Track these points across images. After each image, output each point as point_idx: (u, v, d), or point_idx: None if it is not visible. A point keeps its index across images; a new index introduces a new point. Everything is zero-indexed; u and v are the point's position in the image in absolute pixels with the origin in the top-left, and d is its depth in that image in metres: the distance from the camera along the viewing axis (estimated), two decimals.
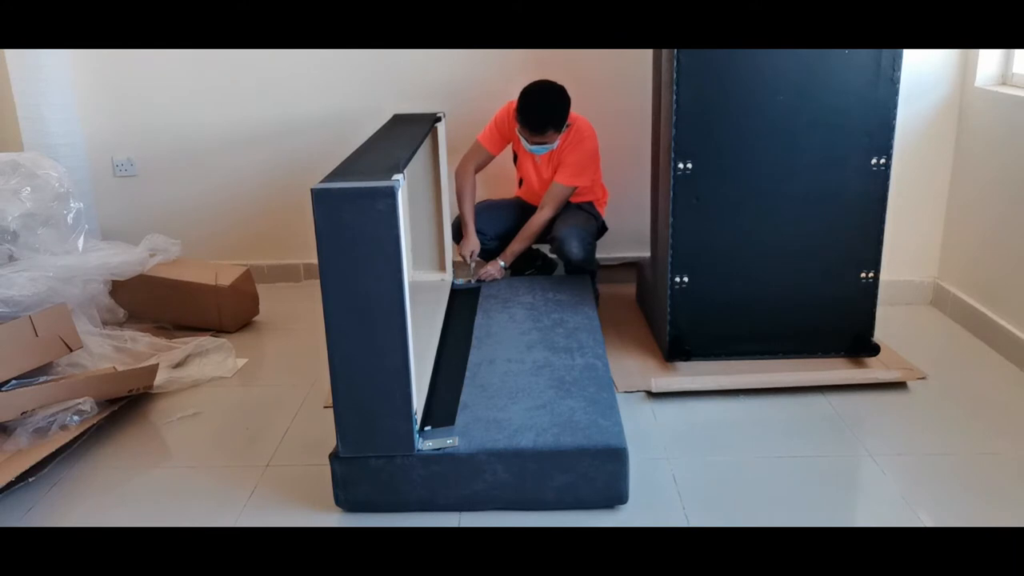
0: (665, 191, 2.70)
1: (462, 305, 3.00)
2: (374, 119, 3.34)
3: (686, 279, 2.73)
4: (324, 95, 3.58)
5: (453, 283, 3.21)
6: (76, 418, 2.40)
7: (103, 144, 3.68)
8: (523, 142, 3.09)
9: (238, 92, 3.59)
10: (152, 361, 2.85)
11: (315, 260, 1.91)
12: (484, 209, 3.36)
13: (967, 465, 2.24)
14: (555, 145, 3.09)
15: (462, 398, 2.29)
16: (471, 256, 3.24)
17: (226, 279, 3.23)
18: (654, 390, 2.65)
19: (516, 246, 3.23)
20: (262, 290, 3.46)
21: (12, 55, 3.35)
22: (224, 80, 3.57)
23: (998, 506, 2.07)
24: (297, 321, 3.39)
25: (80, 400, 2.42)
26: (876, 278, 2.73)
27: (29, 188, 2.97)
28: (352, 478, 2.06)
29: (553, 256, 3.37)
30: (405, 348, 1.95)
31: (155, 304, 3.26)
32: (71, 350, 2.66)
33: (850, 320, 2.77)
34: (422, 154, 3.09)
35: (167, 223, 3.72)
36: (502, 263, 3.23)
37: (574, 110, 3.06)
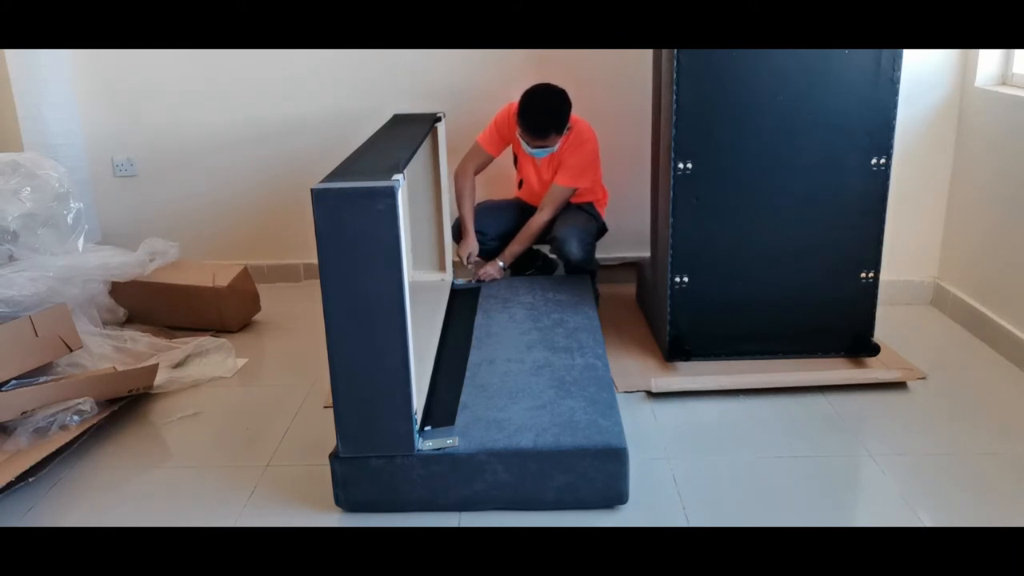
0: (665, 191, 2.70)
1: (462, 305, 3.00)
2: (374, 119, 3.34)
3: (686, 279, 2.73)
4: (324, 95, 3.58)
5: (453, 283, 3.21)
6: (76, 418, 2.40)
7: (103, 144, 3.68)
8: (524, 145, 3.09)
9: (238, 92, 3.59)
10: (152, 361, 2.85)
11: (315, 260, 1.91)
12: (484, 210, 3.36)
13: (967, 465, 2.24)
14: (556, 148, 3.09)
15: (462, 398, 2.29)
16: (469, 258, 3.24)
17: (224, 279, 3.23)
18: (654, 390, 2.65)
19: (515, 247, 3.23)
20: (262, 290, 3.46)
21: (12, 55, 3.35)
22: (224, 80, 3.57)
23: (998, 506, 2.07)
24: (297, 321, 3.39)
25: (80, 400, 2.42)
26: (876, 278, 2.73)
27: (29, 188, 2.97)
28: (352, 478, 2.06)
29: (553, 256, 3.37)
30: (405, 348, 1.95)
31: (155, 309, 3.26)
32: (71, 350, 2.66)
33: (850, 320, 2.77)
34: (422, 154, 3.09)
35: (167, 223, 3.72)
36: (501, 263, 3.23)
37: (574, 111, 3.06)
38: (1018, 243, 2.84)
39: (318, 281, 1.91)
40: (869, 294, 2.75)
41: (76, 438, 2.36)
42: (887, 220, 2.68)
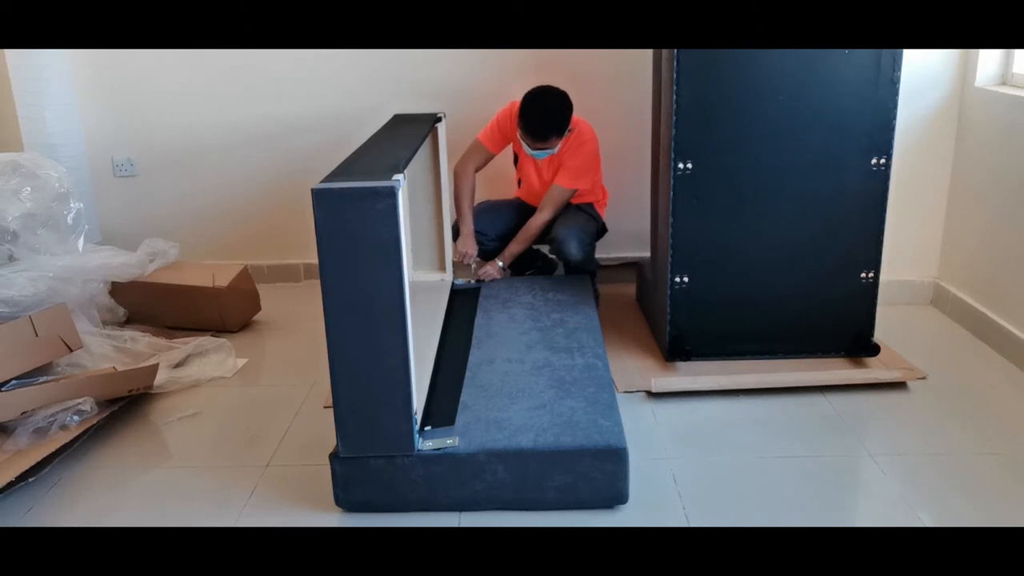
0: (665, 191, 2.70)
1: (462, 305, 3.00)
2: (374, 119, 3.34)
3: (686, 279, 2.73)
4: (324, 95, 3.58)
5: (453, 283, 3.21)
6: (76, 418, 2.40)
7: (103, 144, 3.68)
8: (525, 147, 3.09)
9: (238, 92, 3.59)
10: (152, 361, 2.85)
11: (315, 260, 1.91)
12: (484, 210, 3.35)
13: (967, 465, 2.24)
14: (556, 149, 3.09)
15: (462, 398, 2.29)
16: (467, 257, 3.23)
17: (224, 279, 3.22)
18: (654, 390, 2.65)
19: (515, 247, 3.23)
20: (262, 290, 3.46)
21: (12, 55, 3.35)
22: (224, 80, 3.57)
23: (998, 506, 2.07)
24: (297, 321, 3.39)
25: (80, 400, 2.42)
26: (876, 278, 2.73)
27: (29, 188, 2.97)
28: (352, 478, 2.06)
29: (553, 256, 3.37)
30: (405, 348, 1.95)
31: (155, 309, 3.26)
32: (71, 350, 2.66)
33: (850, 320, 2.77)
34: (422, 154, 3.09)
35: (167, 224, 3.72)
36: (501, 263, 3.23)
37: (574, 111, 3.06)
38: (1018, 243, 2.84)
39: (318, 281, 1.91)
40: (869, 294, 2.75)
41: (76, 438, 2.36)
42: (887, 220, 2.68)
